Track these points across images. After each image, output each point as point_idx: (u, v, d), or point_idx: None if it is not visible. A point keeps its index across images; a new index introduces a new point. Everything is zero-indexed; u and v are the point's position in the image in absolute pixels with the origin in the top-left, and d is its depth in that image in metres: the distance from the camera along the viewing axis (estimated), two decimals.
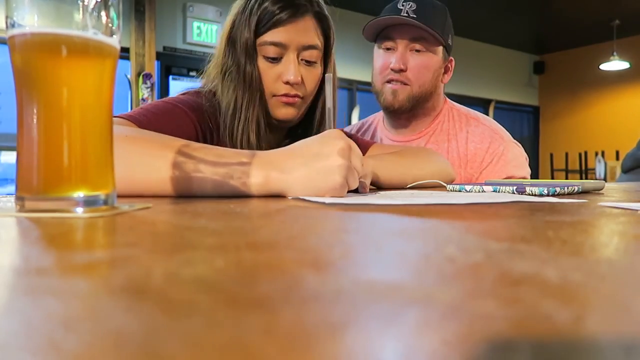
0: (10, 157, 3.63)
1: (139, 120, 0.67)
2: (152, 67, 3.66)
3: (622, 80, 5.76)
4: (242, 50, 0.78)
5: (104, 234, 0.27)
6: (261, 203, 0.46)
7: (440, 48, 1.11)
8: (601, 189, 0.75)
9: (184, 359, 0.09)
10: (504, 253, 0.20)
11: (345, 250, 0.22)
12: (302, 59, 0.80)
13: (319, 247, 0.23)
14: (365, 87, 4.82)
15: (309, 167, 0.51)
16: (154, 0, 3.67)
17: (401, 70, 1.08)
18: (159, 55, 3.78)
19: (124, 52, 3.59)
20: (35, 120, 0.34)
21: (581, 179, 5.67)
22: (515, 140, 1.14)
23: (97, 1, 0.36)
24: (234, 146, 0.79)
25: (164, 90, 3.86)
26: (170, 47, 3.89)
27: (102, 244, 0.25)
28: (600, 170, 5.39)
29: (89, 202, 0.35)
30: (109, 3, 0.36)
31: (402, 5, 1.05)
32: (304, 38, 0.79)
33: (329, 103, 0.61)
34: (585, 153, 5.75)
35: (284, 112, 0.81)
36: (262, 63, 0.79)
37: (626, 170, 2.38)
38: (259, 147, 0.80)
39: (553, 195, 0.59)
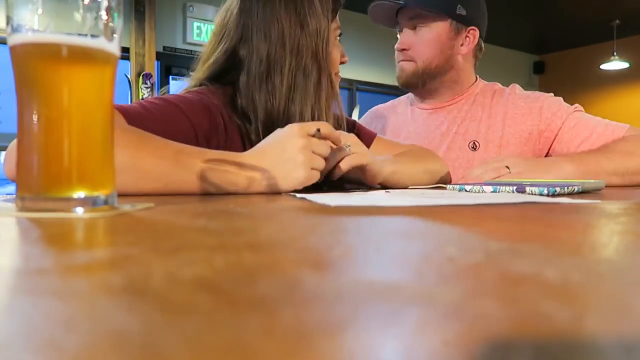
0: None
1: (130, 115, 0.64)
2: (152, 67, 3.65)
3: (622, 80, 5.75)
4: (321, 36, 0.79)
5: (104, 234, 0.27)
6: (261, 203, 0.46)
7: (444, 23, 1.11)
8: (601, 189, 0.75)
9: (183, 359, 0.09)
10: (504, 253, 0.20)
11: (345, 250, 0.22)
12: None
13: (319, 247, 0.23)
14: (365, 87, 4.82)
15: (278, 167, 0.61)
16: (154, 0, 3.67)
17: (404, 50, 1.14)
18: (159, 55, 3.77)
19: (124, 52, 3.59)
20: (35, 121, 0.34)
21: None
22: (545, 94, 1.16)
23: (97, 5, 0.36)
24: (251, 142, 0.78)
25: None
26: (170, 47, 3.89)
27: (102, 244, 0.25)
28: None
29: (89, 202, 0.35)
30: (111, 6, 0.36)
31: None
32: None
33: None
34: None
35: (338, 90, 0.88)
36: (333, 46, 0.83)
37: None
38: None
39: (553, 195, 0.59)
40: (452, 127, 1.15)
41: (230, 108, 0.77)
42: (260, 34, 0.76)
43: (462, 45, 1.13)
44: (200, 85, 0.80)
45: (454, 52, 1.13)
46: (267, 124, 0.76)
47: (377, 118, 1.33)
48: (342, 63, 0.87)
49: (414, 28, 1.13)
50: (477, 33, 1.14)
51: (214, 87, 0.79)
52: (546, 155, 1.10)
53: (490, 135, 1.11)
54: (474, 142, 1.12)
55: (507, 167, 0.91)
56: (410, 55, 1.13)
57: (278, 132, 0.64)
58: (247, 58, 0.77)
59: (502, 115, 1.12)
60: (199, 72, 0.82)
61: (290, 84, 0.76)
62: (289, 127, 0.64)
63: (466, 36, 1.13)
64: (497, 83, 1.22)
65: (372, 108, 1.38)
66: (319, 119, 0.80)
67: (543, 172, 0.90)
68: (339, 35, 0.86)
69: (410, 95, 1.29)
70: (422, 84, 1.15)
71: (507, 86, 1.22)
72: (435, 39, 1.11)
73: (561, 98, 1.14)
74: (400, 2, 1.12)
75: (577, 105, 1.13)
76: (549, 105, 1.10)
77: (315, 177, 0.63)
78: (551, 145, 1.10)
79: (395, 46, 1.16)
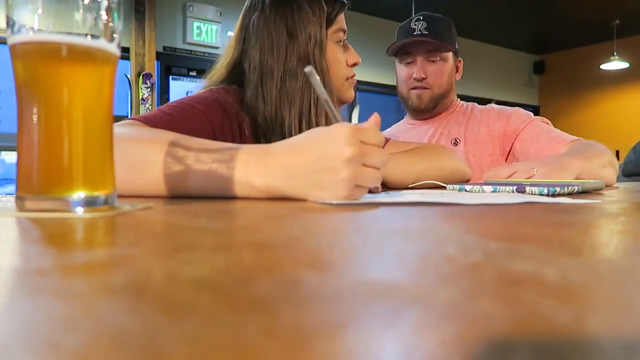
0: (10, 157, 3.63)
1: (153, 122, 0.66)
2: (152, 67, 3.66)
3: (622, 80, 5.75)
4: (307, 40, 0.80)
5: (104, 234, 0.27)
6: (261, 203, 0.46)
7: (450, 54, 1.35)
8: (601, 189, 0.75)
9: (183, 359, 0.09)
10: (504, 253, 0.20)
11: (345, 250, 0.22)
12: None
13: (319, 247, 0.23)
14: (365, 87, 4.82)
15: (312, 177, 0.48)
16: (154, 0, 3.67)
17: (423, 79, 1.33)
18: (159, 55, 3.77)
19: (124, 52, 3.58)
20: (35, 122, 0.34)
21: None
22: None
23: (97, 5, 0.36)
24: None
25: (164, 90, 3.85)
26: (170, 47, 3.89)
27: (102, 244, 0.25)
28: None
29: (89, 202, 0.35)
30: (111, 6, 0.36)
31: (415, 25, 1.30)
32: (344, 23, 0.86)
33: (322, 95, 0.57)
34: None
35: (351, 94, 0.88)
36: (336, 49, 0.84)
37: (627, 174, 2.40)
38: None
39: (553, 195, 0.59)
40: (438, 129, 1.37)
41: (241, 106, 0.81)
42: (256, 45, 0.81)
43: (457, 72, 1.41)
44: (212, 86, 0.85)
45: (453, 78, 1.40)
46: (265, 130, 0.80)
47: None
48: (354, 65, 0.86)
49: (427, 60, 1.32)
50: (462, 63, 1.43)
51: (227, 86, 0.83)
52: (508, 154, 1.29)
53: (468, 134, 1.32)
54: (456, 139, 1.33)
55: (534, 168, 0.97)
56: (428, 83, 1.33)
57: (323, 131, 0.51)
58: (246, 67, 0.82)
59: (478, 119, 1.34)
60: (214, 75, 0.87)
61: (280, 90, 0.79)
62: (338, 126, 0.50)
63: (457, 66, 1.41)
64: (474, 103, 1.45)
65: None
66: (315, 124, 0.80)
67: (563, 171, 0.91)
68: (344, 39, 0.85)
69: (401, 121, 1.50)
70: (433, 107, 1.35)
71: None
72: (446, 69, 1.34)
73: (532, 113, 1.35)
74: (425, 38, 1.28)
75: (543, 118, 1.32)
76: (519, 114, 1.31)
77: (359, 194, 0.49)
78: (512, 143, 1.28)
79: (415, 75, 1.32)
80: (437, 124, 1.39)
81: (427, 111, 1.37)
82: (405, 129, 1.44)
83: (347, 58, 0.86)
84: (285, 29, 0.80)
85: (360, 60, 0.86)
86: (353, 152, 0.47)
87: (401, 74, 1.38)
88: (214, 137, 0.74)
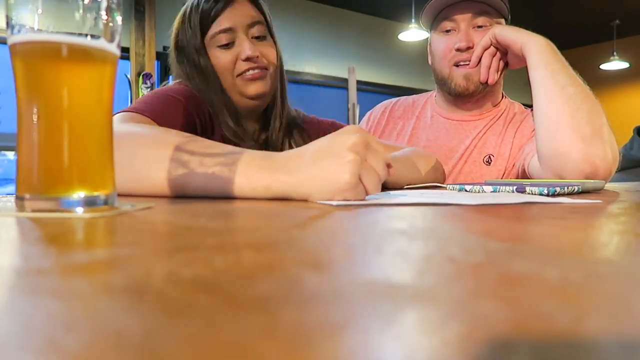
0: (10, 157, 3.63)
1: (148, 112, 0.70)
2: (152, 67, 3.66)
3: (622, 80, 5.76)
4: (193, 51, 0.86)
5: (104, 234, 0.27)
6: (261, 203, 0.46)
7: (502, 21, 1.03)
8: (601, 189, 0.75)
9: (183, 359, 0.09)
10: (505, 253, 0.20)
11: (345, 250, 0.22)
12: (252, 37, 0.86)
13: (319, 247, 0.23)
14: (365, 86, 4.83)
15: (316, 167, 0.46)
16: (153, 0, 3.67)
17: (468, 49, 1.01)
18: (158, 55, 3.77)
19: (124, 52, 3.59)
20: (35, 122, 0.34)
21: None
22: None
23: (97, 5, 0.36)
24: (223, 135, 0.84)
25: None
26: None
27: (102, 244, 0.25)
28: None
29: (89, 202, 0.35)
30: (111, 6, 0.36)
31: None
32: (245, 17, 0.86)
33: (352, 98, 0.57)
34: None
35: (254, 88, 0.86)
36: (217, 53, 0.85)
37: (618, 169, 2.40)
38: (242, 131, 0.87)
39: (553, 195, 0.59)
40: (474, 141, 1.08)
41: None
42: (172, 60, 0.93)
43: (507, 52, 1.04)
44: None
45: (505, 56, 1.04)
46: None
47: (395, 111, 1.22)
48: (247, 59, 0.84)
49: (473, 27, 1.02)
50: None
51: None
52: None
53: (502, 149, 1.05)
54: (489, 157, 1.05)
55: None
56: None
57: (331, 134, 0.50)
58: None
59: (513, 131, 1.07)
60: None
61: (200, 89, 0.85)
62: (347, 126, 0.50)
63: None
64: (520, 104, 1.15)
65: (392, 99, 1.26)
66: (228, 126, 0.85)
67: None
68: (226, 43, 0.84)
69: (431, 98, 1.19)
70: (480, 91, 1.04)
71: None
72: None
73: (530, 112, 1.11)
74: None
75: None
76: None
77: (361, 194, 0.46)
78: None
79: (457, 45, 1.01)
80: (477, 130, 1.08)
81: (472, 96, 1.05)
82: (436, 126, 1.12)
83: (239, 53, 0.84)
84: (175, 44, 0.90)
85: (250, 54, 0.83)
86: (359, 139, 0.46)
87: (438, 47, 1.05)
88: (195, 124, 0.80)
